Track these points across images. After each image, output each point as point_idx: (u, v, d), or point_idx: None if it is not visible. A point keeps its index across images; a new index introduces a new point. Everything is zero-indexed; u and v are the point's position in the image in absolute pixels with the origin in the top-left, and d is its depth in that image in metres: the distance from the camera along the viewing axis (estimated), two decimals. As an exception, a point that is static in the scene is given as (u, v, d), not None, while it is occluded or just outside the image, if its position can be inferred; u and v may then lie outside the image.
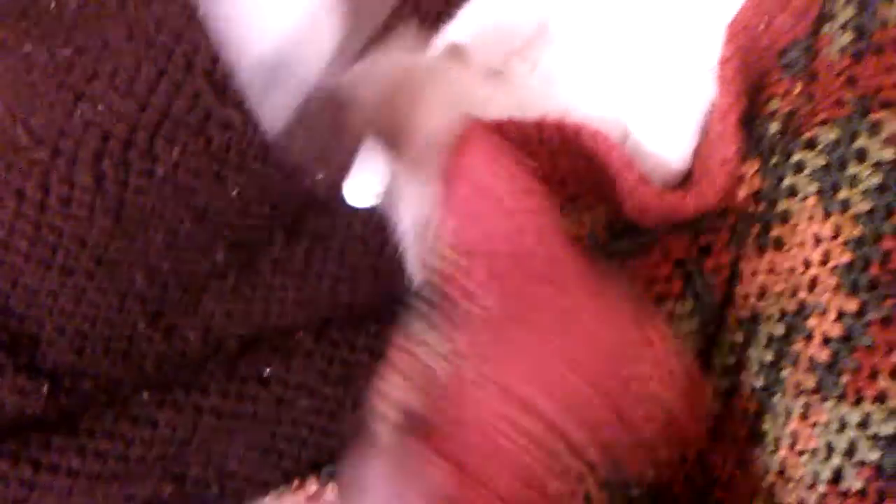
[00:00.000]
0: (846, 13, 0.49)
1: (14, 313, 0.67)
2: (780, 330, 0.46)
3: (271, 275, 0.75)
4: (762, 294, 0.48)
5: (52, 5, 0.66)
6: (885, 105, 0.45)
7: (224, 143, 0.67)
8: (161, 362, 0.71)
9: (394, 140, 0.61)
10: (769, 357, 0.46)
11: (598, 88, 0.69)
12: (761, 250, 0.48)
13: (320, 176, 0.73)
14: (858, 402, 0.42)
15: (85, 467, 0.66)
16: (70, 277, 0.67)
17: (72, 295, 0.67)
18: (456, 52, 0.72)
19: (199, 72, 0.66)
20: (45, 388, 0.67)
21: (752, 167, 0.51)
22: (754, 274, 0.48)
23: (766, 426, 0.45)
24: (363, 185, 0.68)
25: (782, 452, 0.44)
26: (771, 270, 0.47)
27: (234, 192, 0.70)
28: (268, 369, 0.71)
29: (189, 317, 0.72)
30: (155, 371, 0.71)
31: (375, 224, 0.74)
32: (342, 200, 0.72)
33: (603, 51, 0.70)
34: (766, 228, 0.48)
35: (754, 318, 0.48)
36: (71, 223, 0.66)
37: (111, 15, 0.65)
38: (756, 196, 0.50)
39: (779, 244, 0.47)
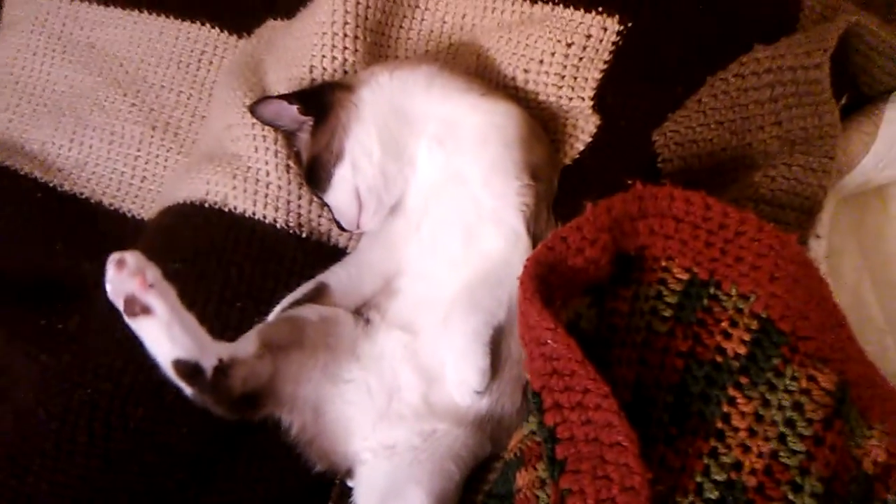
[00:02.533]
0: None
1: None
2: None
3: (221, 482, 1.03)
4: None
5: (60, 326, 1.01)
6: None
7: (172, 399, 0.96)
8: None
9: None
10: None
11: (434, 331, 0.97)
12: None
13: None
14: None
15: None
16: (77, 505, 0.96)
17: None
18: (323, 290, 1.01)
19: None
20: None
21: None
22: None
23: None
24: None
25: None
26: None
27: (184, 430, 0.98)
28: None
29: (164, 523, 1.00)
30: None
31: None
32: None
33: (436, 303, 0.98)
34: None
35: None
36: (75, 468, 0.95)
37: (97, 331, 0.98)
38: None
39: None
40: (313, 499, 1.03)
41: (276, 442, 1.02)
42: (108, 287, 0.82)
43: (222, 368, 0.86)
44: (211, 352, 0.86)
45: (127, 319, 0.83)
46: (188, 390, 0.86)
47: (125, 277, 0.81)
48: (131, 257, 0.81)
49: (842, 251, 1.01)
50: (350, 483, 0.99)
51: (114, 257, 0.81)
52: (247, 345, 0.90)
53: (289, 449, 1.02)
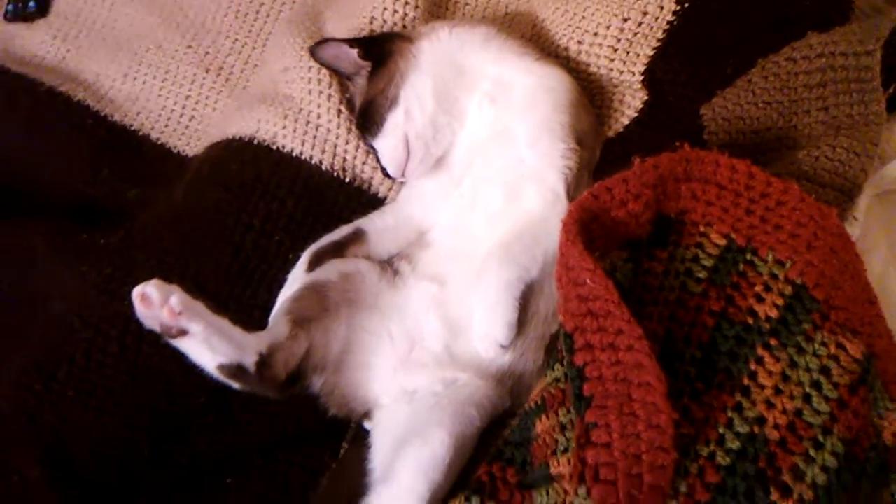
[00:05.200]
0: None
1: (61, 441, 0.96)
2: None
3: (239, 413, 1.04)
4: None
5: (101, 241, 1.04)
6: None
7: None
8: (157, 476, 1.00)
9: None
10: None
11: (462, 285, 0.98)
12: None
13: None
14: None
15: None
16: (100, 415, 0.97)
17: (100, 428, 0.97)
18: (359, 235, 1.04)
19: (189, 278, 0.99)
20: (77, 493, 0.95)
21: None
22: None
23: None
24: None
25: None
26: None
27: (212, 355, 1.00)
28: (229, 480, 1.00)
29: (179, 444, 1.01)
30: (153, 482, 1.00)
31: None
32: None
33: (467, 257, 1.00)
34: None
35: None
36: (103, 378, 0.98)
37: (138, 248, 1.00)
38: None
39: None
40: (328, 437, 1.05)
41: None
42: (140, 318, 0.87)
43: (263, 361, 0.91)
44: (250, 349, 0.91)
45: (166, 339, 0.89)
46: (236, 386, 0.92)
47: (154, 310, 0.86)
48: (152, 290, 0.86)
49: (872, 247, 1.03)
50: (367, 425, 1.01)
51: (136, 292, 0.86)
52: (279, 329, 0.95)
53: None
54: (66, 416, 0.96)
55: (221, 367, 0.89)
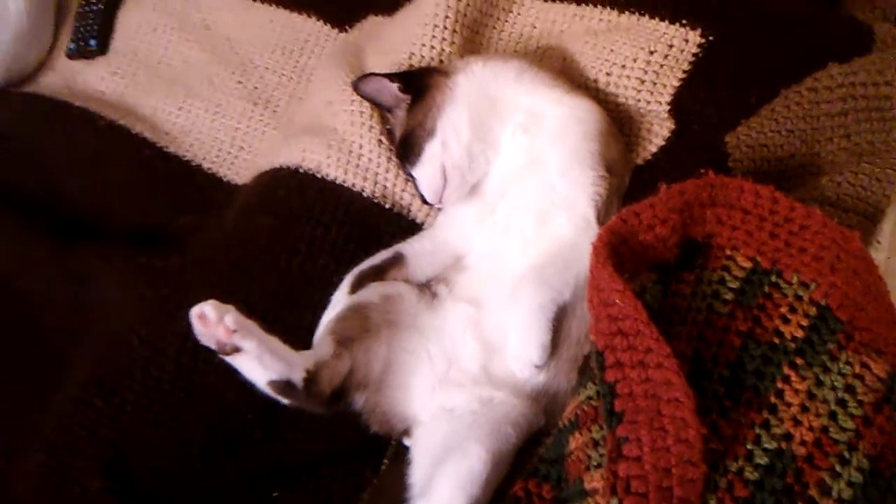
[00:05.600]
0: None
1: (121, 454, 1.01)
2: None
3: (285, 430, 1.09)
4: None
5: (158, 265, 1.11)
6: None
7: None
8: (208, 488, 1.05)
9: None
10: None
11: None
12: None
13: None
14: None
15: None
16: (156, 430, 1.02)
17: (156, 442, 1.02)
18: (399, 260, 1.10)
19: (239, 301, 1.04)
20: None
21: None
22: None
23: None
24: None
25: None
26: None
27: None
28: (275, 493, 1.05)
29: (229, 459, 1.06)
30: (204, 493, 1.05)
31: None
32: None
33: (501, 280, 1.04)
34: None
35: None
36: (160, 394, 1.03)
37: (193, 271, 1.06)
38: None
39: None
40: (369, 454, 1.09)
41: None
42: (197, 336, 0.94)
43: (310, 378, 0.97)
44: (298, 366, 0.97)
45: (220, 357, 0.95)
46: (285, 402, 0.97)
47: (210, 328, 0.93)
48: (210, 310, 0.93)
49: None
50: (406, 442, 1.05)
51: (195, 312, 0.93)
52: (324, 348, 1.01)
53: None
54: (125, 430, 1.02)
55: (272, 384, 0.94)
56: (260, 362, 0.94)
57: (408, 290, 1.07)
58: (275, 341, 0.96)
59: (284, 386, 0.95)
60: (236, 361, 0.95)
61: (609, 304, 0.81)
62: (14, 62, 1.49)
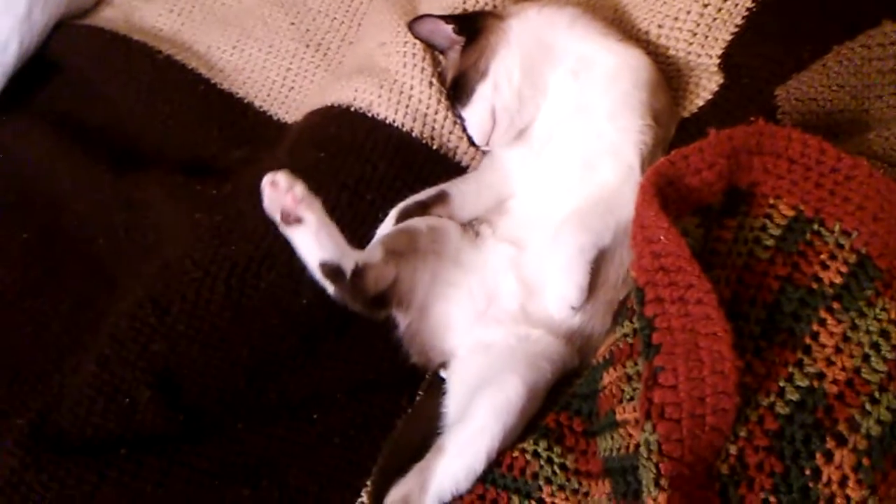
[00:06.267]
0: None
1: (170, 370, 1.06)
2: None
3: (325, 358, 1.14)
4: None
5: (214, 192, 1.15)
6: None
7: (300, 271, 1.07)
8: (251, 407, 1.10)
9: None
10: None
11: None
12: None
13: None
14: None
15: (200, 466, 1.05)
16: (204, 349, 1.07)
17: (204, 360, 1.07)
18: (443, 198, 1.12)
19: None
20: (181, 417, 1.06)
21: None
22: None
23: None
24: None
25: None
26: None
27: (304, 301, 1.10)
28: (315, 415, 1.10)
29: (271, 381, 1.11)
30: (247, 411, 1.10)
31: (395, 329, 1.12)
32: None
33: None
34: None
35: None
36: (209, 315, 1.08)
37: (245, 200, 1.11)
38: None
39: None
40: (406, 385, 1.13)
41: (377, 332, 1.14)
42: (265, 203, 0.97)
43: (358, 271, 1.00)
44: (350, 257, 1.00)
45: (282, 229, 0.98)
46: (331, 289, 1.00)
47: (279, 194, 0.96)
48: (282, 177, 0.96)
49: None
50: (443, 374, 1.09)
51: (267, 178, 0.96)
52: (375, 252, 1.03)
53: (388, 340, 1.14)
54: (175, 347, 1.07)
55: (323, 265, 0.98)
56: (316, 238, 0.97)
57: (452, 225, 1.10)
58: (334, 227, 0.99)
59: (334, 270, 0.98)
60: (295, 234, 0.98)
61: (653, 241, 0.83)
62: (74, -5, 1.53)
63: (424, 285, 1.06)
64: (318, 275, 1.00)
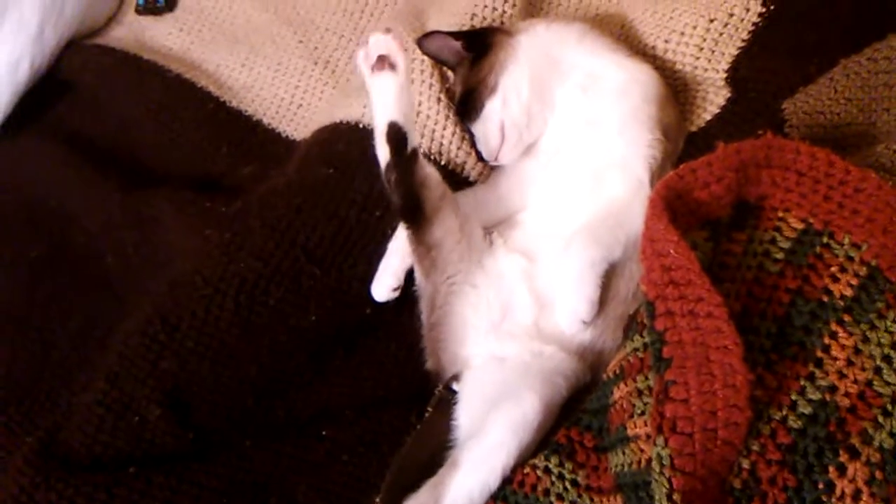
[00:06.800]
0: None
1: (179, 387, 1.06)
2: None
3: (334, 375, 1.14)
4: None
5: (223, 209, 1.15)
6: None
7: (308, 288, 1.09)
8: (260, 424, 1.10)
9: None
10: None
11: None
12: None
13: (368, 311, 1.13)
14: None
15: (209, 484, 1.04)
16: (214, 366, 1.07)
17: (213, 377, 1.07)
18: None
19: (298, 246, 1.10)
20: (190, 435, 1.06)
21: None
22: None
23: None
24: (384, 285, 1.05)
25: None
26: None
27: (313, 318, 1.10)
28: (324, 432, 1.10)
29: (280, 398, 1.11)
30: (255, 428, 1.10)
31: (403, 346, 1.12)
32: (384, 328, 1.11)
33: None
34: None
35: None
36: (218, 332, 1.08)
37: (255, 217, 1.11)
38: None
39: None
40: (415, 402, 1.13)
41: (387, 350, 1.15)
42: (365, 50, 0.93)
43: (415, 154, 0.97)
44: (413, 135, 0.97)
45: (372, 75, 0.94)
46: (386, 156, 0.96)
47: (389, 39, 0.93)
48: (395, 28, 0.95)
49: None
50: (455, 387, 1.08)
51: (379, 28, 0.94)
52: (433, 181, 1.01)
53: (398, 358, 1.15)
54: (184, 365, 1.07)
55: (392, 125, 0.95)
56: (399, 93, 0.94)
57: (478, 226, 1.09)
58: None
59: (399, 136, 0.95)
60: (383, 81, 0.94)
61: (663, 255, 0.83)
62: (85, 15, 1.55)
63: (450, 267, 1.05)
64: (381, 137, 0.96)
